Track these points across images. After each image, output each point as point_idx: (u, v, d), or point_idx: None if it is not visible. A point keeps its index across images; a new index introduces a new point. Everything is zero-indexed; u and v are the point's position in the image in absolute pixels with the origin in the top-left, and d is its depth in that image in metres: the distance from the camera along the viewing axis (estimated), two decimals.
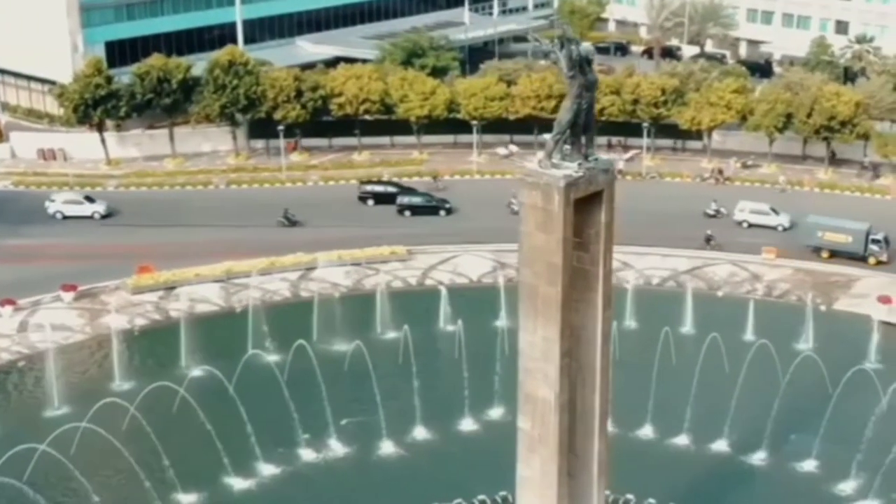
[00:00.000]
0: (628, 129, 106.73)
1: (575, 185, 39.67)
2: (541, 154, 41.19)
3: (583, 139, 40.64)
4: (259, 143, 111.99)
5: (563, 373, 41.50)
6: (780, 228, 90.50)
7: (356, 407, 61.88)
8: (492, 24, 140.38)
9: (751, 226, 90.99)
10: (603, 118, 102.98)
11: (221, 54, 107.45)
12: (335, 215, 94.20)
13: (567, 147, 40.50)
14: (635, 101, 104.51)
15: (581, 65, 39.85)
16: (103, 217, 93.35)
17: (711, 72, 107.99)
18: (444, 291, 74.94)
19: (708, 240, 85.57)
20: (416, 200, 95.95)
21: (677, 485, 53.96)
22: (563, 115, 39.99)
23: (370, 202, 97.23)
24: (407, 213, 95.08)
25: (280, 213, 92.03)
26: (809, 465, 57.17)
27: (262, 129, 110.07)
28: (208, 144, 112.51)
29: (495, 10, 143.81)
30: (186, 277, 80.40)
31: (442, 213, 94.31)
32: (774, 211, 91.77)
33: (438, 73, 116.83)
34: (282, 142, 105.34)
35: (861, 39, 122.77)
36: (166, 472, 54.23)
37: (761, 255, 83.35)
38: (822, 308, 73.40)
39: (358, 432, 60.12)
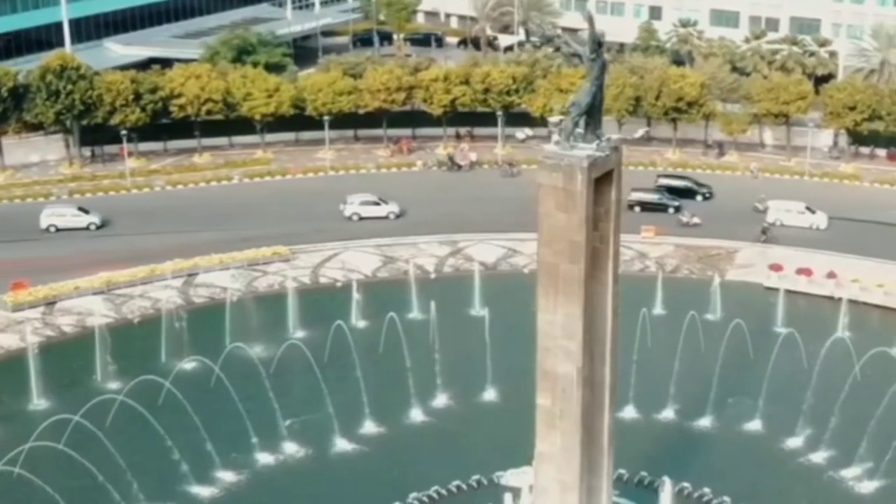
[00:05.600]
0: (477, 118, 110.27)
1: (595, 164, 42.14)
2: (556, 136, 43.44)
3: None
4: (90, 151, 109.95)
5: (585, 348, 43.83)
6: None
7: (300, 406, 62.65)
8: (312, 18, 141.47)
9: None
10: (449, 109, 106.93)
11: (52, 59, 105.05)
12: None
13: (578, 129, 42.83)
14: (486, 91, 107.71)
15: (598, 48, 42.26)
16: (397, 217, 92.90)
17: (555, 59, 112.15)
18: (354, 288, 75.91)
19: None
20: (647, 197, 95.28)
21: (643, 454, 56.99)
22: (583, 97, 42.36)
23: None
24: (637, 209, 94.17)
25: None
26: (755, 426, 61.55)
27: (94, 135, 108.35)
28: (37, 154, 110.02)
29: (317, 4, 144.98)
30: (66, 291, 78.94)
31: (671, 210, 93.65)
32: None
33: (270, 69, 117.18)
34: (125, 147, 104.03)
35: (686, 23, 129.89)
36: (133, 479, 54.32)
37: (640, 234, 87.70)
38: (717, 280, 77.92)
39: (304, 431, 60.91)
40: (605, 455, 46.94)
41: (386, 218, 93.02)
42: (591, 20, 42.10)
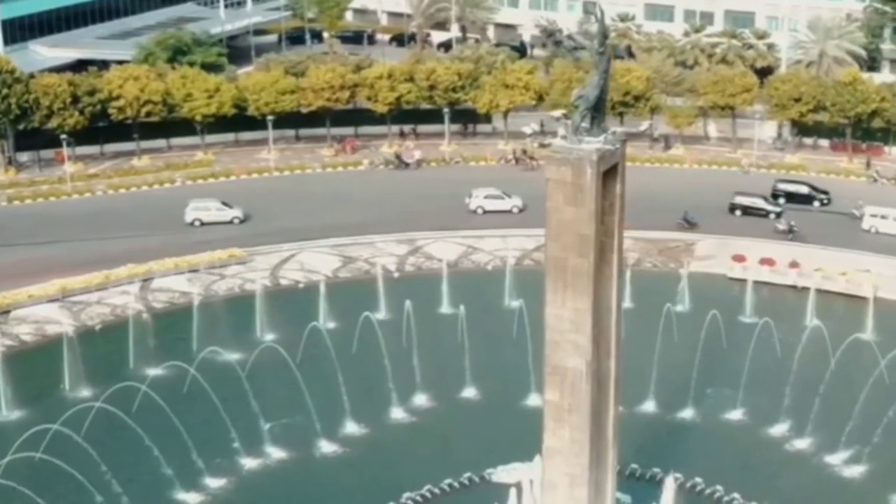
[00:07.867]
0: (420, 115, 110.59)
1: (604, 158, 42.72)
2: (562, 131, 43.98)
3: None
4: (24, 156, 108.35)
5: (594, 342, 44.39)
6: None
7: (279, 409, 62.46)
8: (243, 17, 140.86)
9: None
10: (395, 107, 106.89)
11: None
12: None
13: (584, 123, 43.34)
14: (431, 87, 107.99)
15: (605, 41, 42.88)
16: (520, 211, 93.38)
17: (499, 55, 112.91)
18: (322, 288, 75.70)
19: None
20: (750, 202, 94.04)
21: (632, 447, 57.61)
22: (591, 91, 42.93)
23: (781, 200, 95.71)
24: (738, 212, 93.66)
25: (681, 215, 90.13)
26: (737, 415, 62.93)
27: (28, 140, 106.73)
28: None
29: (248, 2, 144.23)
30: (19, 299, 77.70)
31: (772, 216, 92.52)
32: None
33: (206, 69, 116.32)
34: (64, 151, 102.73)
35: (624, 17, 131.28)
36: (118, 486, 54.17)
37: None
38: (681, 272, 79.04)
39: (285, 434, 60.80)
40: (611, 448, 47.63)
41: (509, 212, 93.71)
42: (601, 15, 42.68)
